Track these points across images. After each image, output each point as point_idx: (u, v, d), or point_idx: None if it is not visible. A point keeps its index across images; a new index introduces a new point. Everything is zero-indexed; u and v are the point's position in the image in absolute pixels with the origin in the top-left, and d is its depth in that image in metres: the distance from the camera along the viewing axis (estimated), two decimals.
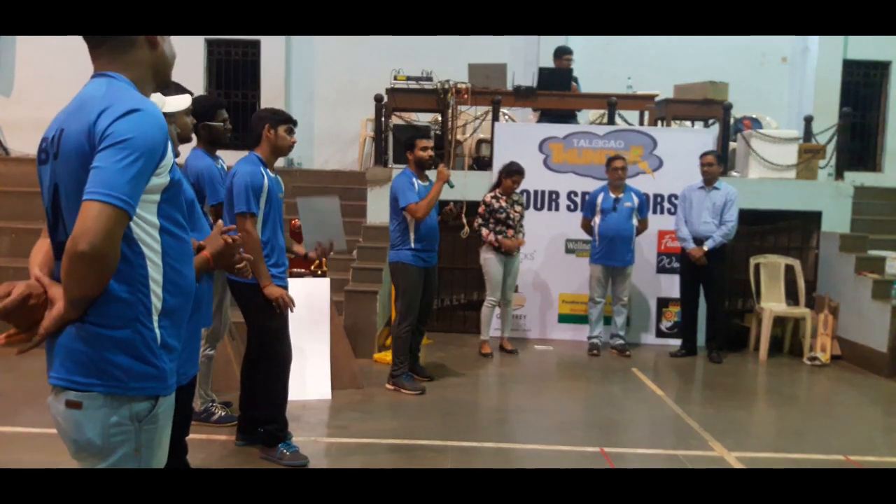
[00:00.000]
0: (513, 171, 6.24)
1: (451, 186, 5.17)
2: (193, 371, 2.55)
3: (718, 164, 6.41)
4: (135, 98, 1.64)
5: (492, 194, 6.25)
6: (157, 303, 1.68)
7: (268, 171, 3.77)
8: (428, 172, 5.27)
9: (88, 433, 1.63)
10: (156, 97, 2.38)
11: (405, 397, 5.05)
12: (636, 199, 6.44)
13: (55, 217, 1.70)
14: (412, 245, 5.07)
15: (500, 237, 6.14)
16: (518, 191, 6.50)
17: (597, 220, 6.46)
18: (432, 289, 5.34)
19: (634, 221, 6.42)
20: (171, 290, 1.72)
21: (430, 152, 5.14)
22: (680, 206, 6.56)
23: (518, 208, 6.27)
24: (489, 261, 6.24)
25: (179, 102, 2.49)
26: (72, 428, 1.64)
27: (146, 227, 1.65)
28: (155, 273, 1.67)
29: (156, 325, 1.68)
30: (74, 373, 1.63)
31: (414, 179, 5.10)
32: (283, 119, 3.87)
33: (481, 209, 6.22)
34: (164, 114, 2.28)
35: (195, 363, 2.57)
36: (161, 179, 1.66)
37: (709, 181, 6.36)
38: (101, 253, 1.52)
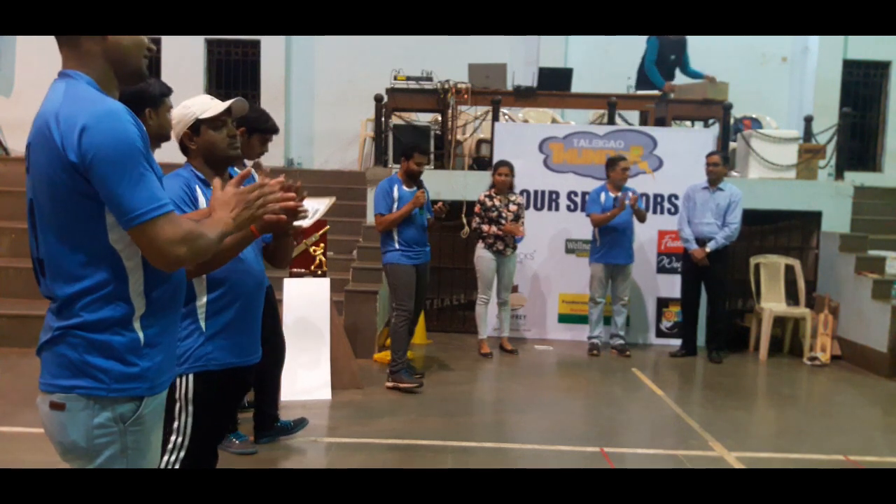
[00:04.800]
0: (497, 165, 6.29)
1: (420, 213, 5.31)
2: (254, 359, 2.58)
3: (724, 164, 6.40)
4: (92, 103, 1.58)
5: (486, 193, 6.26)
6: (138, 305, 1.68)
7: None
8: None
9: (72, 435, 1.63)
10: (204, 98, 2.43)
11: (405, 397, 5.05)
12: (633, 196, 6.45)
13: (33, 233, 1.71)
14: (396, 246, 5.24)
15: (502, 223, 6.12)
16: (517, 191, 6.50)
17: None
18: (423, 284, 5.43)
19: (634, 220, 6.43)
20: (156, 290, 1.71)
21: (422, 169, 5.36)
22: (683, 206, 6.54)
23: (514, 207, 6.23)
24: (481, 259, 6.26)
25: (215, 107, 2.42)
26: (56, 430, 1.65)
27: (121, 233, 1.63)
28: (134, 276, 1.67)
29: (138, 327, 1.68)
30: (58, 376, 1.63)
31: (396, 186, 5.29)
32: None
33: (477, 208, 6.24)
34: (202, 119, 2.36)
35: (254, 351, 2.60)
36: None
37: (713, 181, 6.35)
38: (183, 258, 1.61)
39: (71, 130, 1.55)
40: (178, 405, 2.37)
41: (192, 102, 2.43)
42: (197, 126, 2.42)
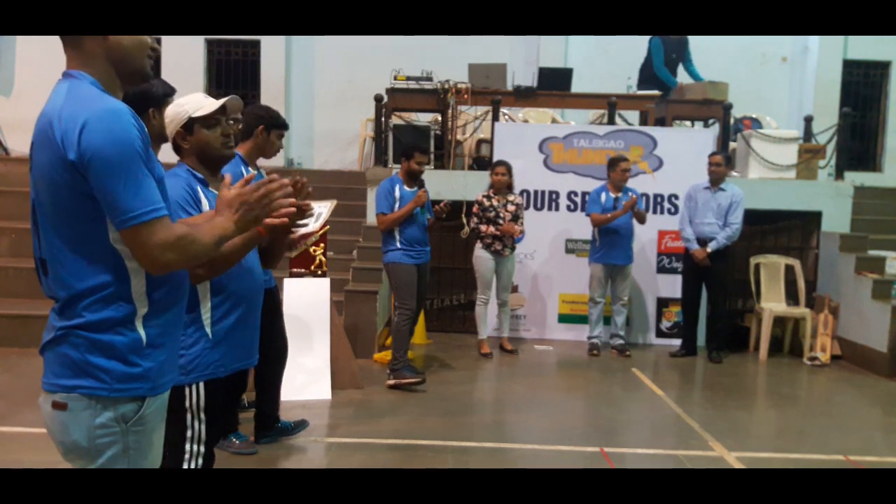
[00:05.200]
0: (494, 165, 6.29)
1: (421, 212, 5.32)
2: (251, 362, 2.56)
3: (726, 164, 6.40)
4: (92, 102, 1.59)
5: (484, 193, 6.26)
6: (140, 305, 1.68)
7: (248, 168, 3.76)
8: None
9: (74, 434, 1.63)
10: (198, 97, 2.40)
11: (405, 397, 5.05)
12: (633, 197, 6.45)
13: (36, 232, 1.70)
14: (398, 245, 5.24)
15: (500, 223, 6.11)
16: (518, 191, 6.50)
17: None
18: (424, 284, 5.45)
19: (633, 221, 6.43)
20: (158, 290, 1.71)
21: (423, 168, 5.36)
22: (684, 206, 6.54)
23: (511, 208, 6.20)
24: (479, 259, 6.25)
25: (208, 106, 2.38)
26: (58, 429, 1.65)
27: None
28: (135, 277, 1.67)
29: (140, 327, 1.68)
30: (60, 375, 1.64)
31: (398, 185, 5.29)
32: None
33: (475, 208, 6.24)
34: (195, 118, 2.32)
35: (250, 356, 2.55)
36: None
37: (715, 181, 6.34)
38: (173, 263, 1.62)
39: (72, 129, 1.55)
40: (189, 415, 2.34)
41: (186, 101, 2.40)
42: (190, 125, 2.38)
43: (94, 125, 1.55)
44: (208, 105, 2.38)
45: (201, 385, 2.35)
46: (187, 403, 2.33)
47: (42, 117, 1.62)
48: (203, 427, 2.36)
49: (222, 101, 2.40)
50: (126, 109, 1.61)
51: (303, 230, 3.55)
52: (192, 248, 1.65)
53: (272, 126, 3.83)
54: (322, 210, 4.16)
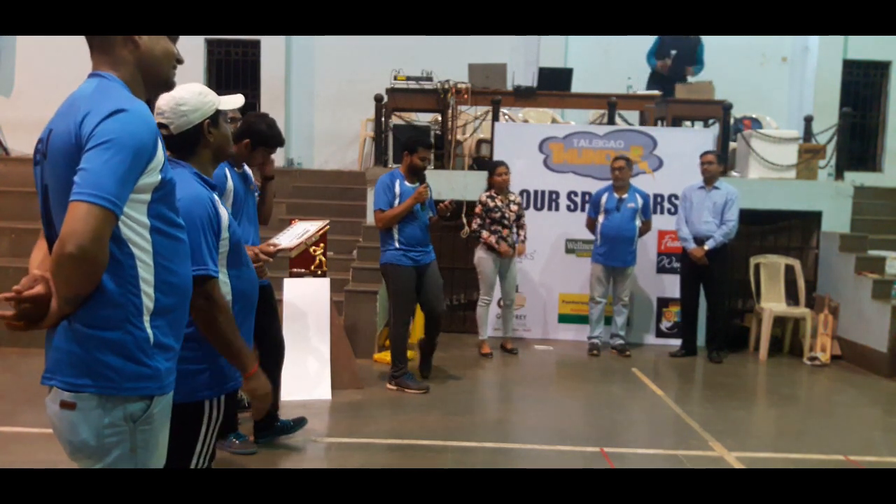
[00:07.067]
0: (495, 166, 6.25)
1: (422, 209, 5.12)
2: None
3: (718, 163, 6.41)
4: (121, 97, 1.63)
5: (487, 194, 6.23)
6: (148, 303, 1.67)
7: (233, 169, 3.73)
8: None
9: (82, 434, 1.63)
10: (210, 94, 2.20)
11: (405, 397, 5.05)
12: (640, 200, 6.43)
13: (47, 218, 1.71)
14: (396, 245, 5.05)
15: (499, 242, 6.11)
16: (518, 191, 6.49)
17: (600, 219, 6.45)
18: (434, 289, 5.19)
19: (637, 222, 6.42)
20: (164, 290, 1.71)
21: (426, 164, 5.20)
22: (681, 206, 6.55)
23: (514, 207, 6.21)
24: (483, 260, 6.23)
25: (233, 101, 2.21)
26: (66, 428, 1.65)
27: (135, 227, 1.65)
28: (145, 273, 1.67)
29: (147, 325, 1.67)
30: (67, 374, 1.63)
31: (398, 181, 5.10)
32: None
33: (478, 209, 6.20)
34: (220, 111, 2.18)
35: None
36: (151, 178, 1.65)
37: (708, 180, 6.36)
38: (88, 255, 1.52)
39: (94, 118, 1.57)
40: (202, 431, 2.12)
41: (202, 90, 2.17)
42: (216, 117, 2.17)
43: (116, 116, 1.57)
44: (229, 99, 2.23)
45: (222, 399, 2.18)
46: (205, 418, 2.12)
47: (65, 104, 1.66)
48: (212, 443, 2.17)
49: (240, 96, 2.27)
50: (150, 114, 1.65)
51: (277, 245, 3.53)
52: (103, 257, 1.57)
53: (259, 143, 3.82)
54: (310, 228, 4.09)
